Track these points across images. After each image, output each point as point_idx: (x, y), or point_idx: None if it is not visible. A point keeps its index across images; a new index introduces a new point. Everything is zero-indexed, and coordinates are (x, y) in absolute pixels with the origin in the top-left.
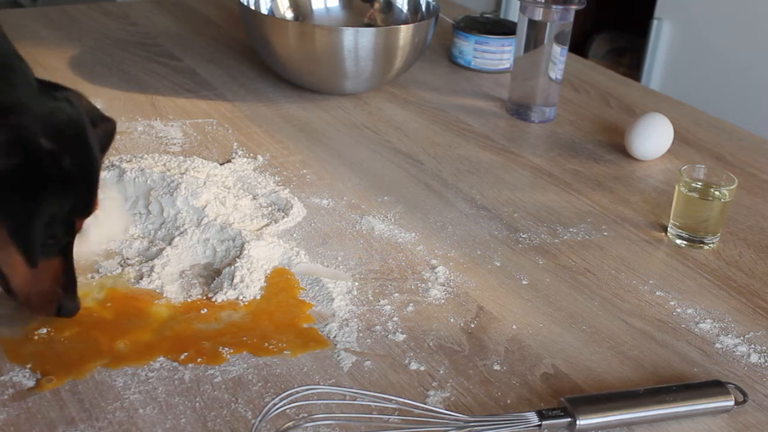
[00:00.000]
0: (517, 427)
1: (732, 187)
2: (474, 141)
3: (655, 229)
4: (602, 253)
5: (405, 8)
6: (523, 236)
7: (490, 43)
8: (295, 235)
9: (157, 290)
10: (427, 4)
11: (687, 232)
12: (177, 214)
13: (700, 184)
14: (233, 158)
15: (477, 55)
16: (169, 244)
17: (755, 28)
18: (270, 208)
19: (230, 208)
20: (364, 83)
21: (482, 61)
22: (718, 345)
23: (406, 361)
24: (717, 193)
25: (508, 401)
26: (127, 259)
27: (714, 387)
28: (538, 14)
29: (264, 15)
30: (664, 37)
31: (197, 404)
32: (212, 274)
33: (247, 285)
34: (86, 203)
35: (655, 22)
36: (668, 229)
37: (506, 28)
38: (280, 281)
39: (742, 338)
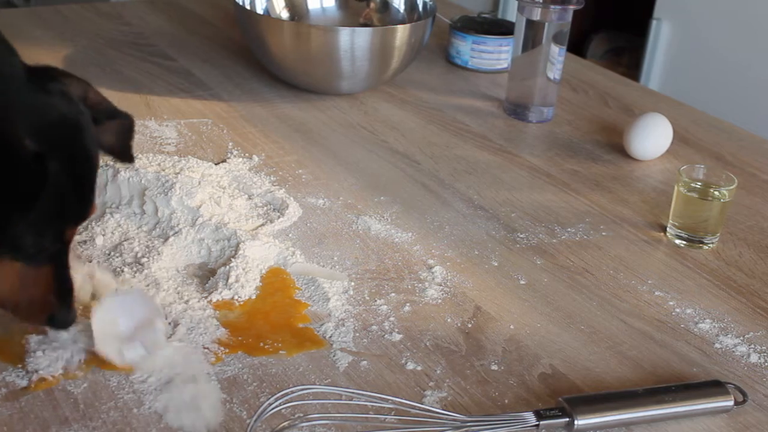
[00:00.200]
0: (515, 427)
1: (732, 187)
2: (471, 141)
3: (654, 229)
4: (600, 253)
5: (402, 8)
6: (521, 236)
7: (488, 43)
8: (290, 235)
9: (152, 289)
10: (424, 4)
11: (686, 232)
12: (172, 214)
13: (699, 184)
14: (228, 158)
15: (474, 55)
16: (164, 243)
17: (754, 29)
18: (265, 208)
19: (225, 208)
20: (361, 83)
21: (479, 61)
22: (717, 345)
23: (403, 361)
24: (717, 193)
25: (506, 401)
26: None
27: (713, 387)
28: (536, 14)
29: (259, 15)
30: (663, 37)
31: None
32: (207, 274)
33: (243, 285)
34: (79, 210)
35: (654, 23)
36: (667, 229)
37: (504, 28)
38: (275, 281)
39: (741, 338)
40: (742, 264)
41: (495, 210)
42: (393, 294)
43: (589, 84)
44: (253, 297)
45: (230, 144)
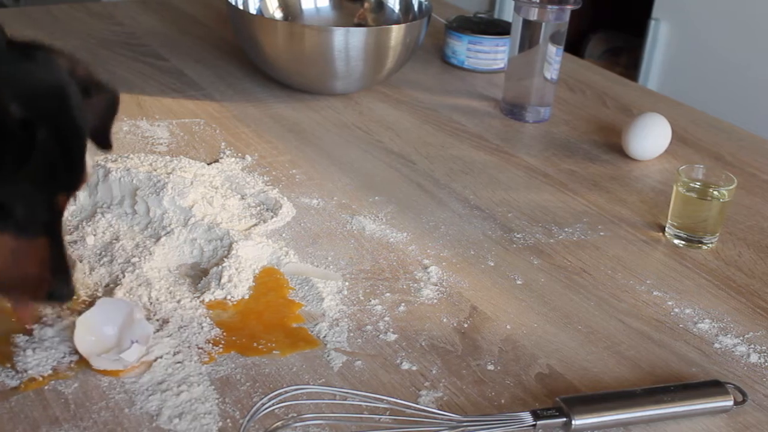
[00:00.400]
0: (511, 427)
1: (731, 187)
2: (467, 141)
3: (652, 229)
4: (598, 253)
5: (396, 8)
6: (518, 236)
7: (484, 43)
8: (284, 235)
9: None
10: (420, 4)
11: (685, 232)
12: (163, 214)
13: (698, 184)
14: (221, 158)
15: (470, 55)
16: (156, 243)
17: (753, 28)
18: (258, 208)
19: (218, 208)
20: (355, 83)
21: (476, 61)
22: (716, 345)
23: (398, 361)
24: (716, 193)
25: (502, 401)
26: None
27: (713, 387)
28: (533, 14)
29: (253, 15)
30: (661, 37)
31: None
32: (199, 274)
33: (235, 285)
34: (69, 179)
35: (652, 23)
36: (666, 229)
37: (500, 28)
38: (269, 281)
39: (741, 338)
40: (742, 264)
41: (491, 210)
42: (388, 294)
43: (587, 84)
44: (246, 297)
45: (223, 144)
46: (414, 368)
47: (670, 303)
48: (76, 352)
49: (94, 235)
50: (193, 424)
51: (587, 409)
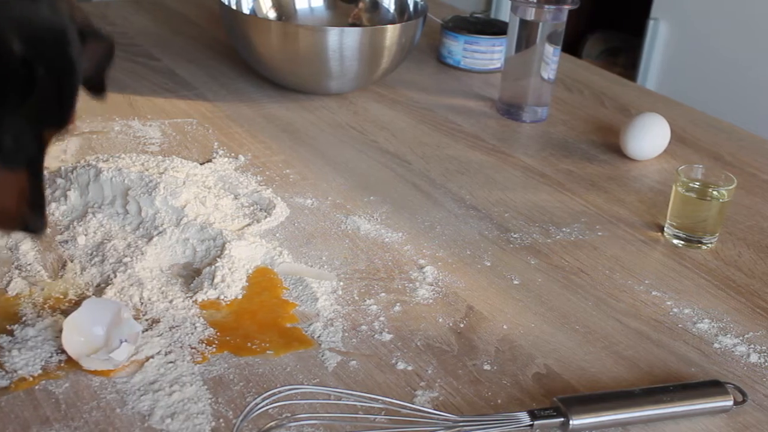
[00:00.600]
0: (508, 427)
1: (731, 187)
2: (463, 141)
3: (651, 229)
4: (596, 253)
5: (392, 8)
6: (515, 236)
7: (480, 43)
8: (277, 234)
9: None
10: (415, 4)
11: (684, 232)
12: (155, 214)
13: (697, 184)
14: (214, 158)
15: (467, 55)
16: (147, 243)
17: (753, 28)
18: (252, 208)
19: (211, 208)
20: (350, 83)
21: (472, 61)
22: (716, 345)
23: (393, 361)
24: (715, 193)
25: (499, 401)
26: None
27: (712, 387)
28: (530, 14)
29: (246, 15)
30: (660, 37)
31: None
32: (192, 274)
33: (228, 285)
34: (59, 116)
35: (651, 23)
36: (665, 229)
37: (496, 28)
38: (262, 281)
39: (741, 338)
40: (742, 264)
41: (488, 210)
42: (383, 294)
43: (585, 84)
44: (240, 297)
45: (216, 144)
46: (409, 368)
47: (669, 303)
48: (64, 352)
49: (85, 235)
50: (186, 424)
51: (585, 409)
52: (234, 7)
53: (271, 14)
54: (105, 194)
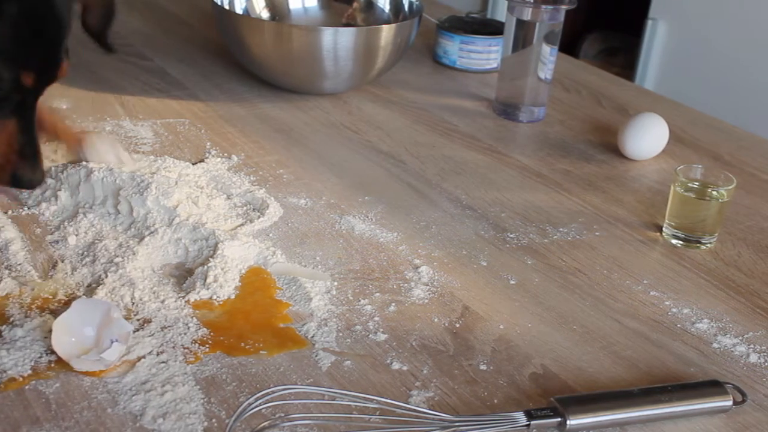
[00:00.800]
0: (505, 427)
1: (730, 187)
2: (459, 141)
3: (649, 229)
4: (594, 253)
5: (387, 8)
6: (511, 236)
7: (477, 43)
8: (271, 234)
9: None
10: (410, 4)
11: (683, 232)
12: (147, 214)
13: (696, 184)
14: (206, 158)
15: (462, 55)
16: (139, 243)
17: (752, 28)
18: (245, 208)
19: (203, 208)
20: (344, 83)
21: (468, 61)
22: (715, 345)
23: (388, 361)
24: (715, 193)
25: (495, 401)
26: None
27: (711, 387)
28: (527, 14)
29: (239, 15)
30: (659, 37)
31: None
32: (184, 274)
33: (221, 285)
34: (40, 61)
35: (649, 23)
36: (663, 229)
37: (493, 28)
38: (255, 280)
39: (740, 338)
40: (741, 264)
41: (484, 210)
42: (378, 294)
43: (582, 84)
44: (233, 297)
45: (208, 144)
46: (404, 368)
47: (667, 303)
48: (53, 352)
49: (76, 235)
50: (178, 423)
51: (583, 409)
52: (227, 7)
53: (265, 14)
54: (96, 194)
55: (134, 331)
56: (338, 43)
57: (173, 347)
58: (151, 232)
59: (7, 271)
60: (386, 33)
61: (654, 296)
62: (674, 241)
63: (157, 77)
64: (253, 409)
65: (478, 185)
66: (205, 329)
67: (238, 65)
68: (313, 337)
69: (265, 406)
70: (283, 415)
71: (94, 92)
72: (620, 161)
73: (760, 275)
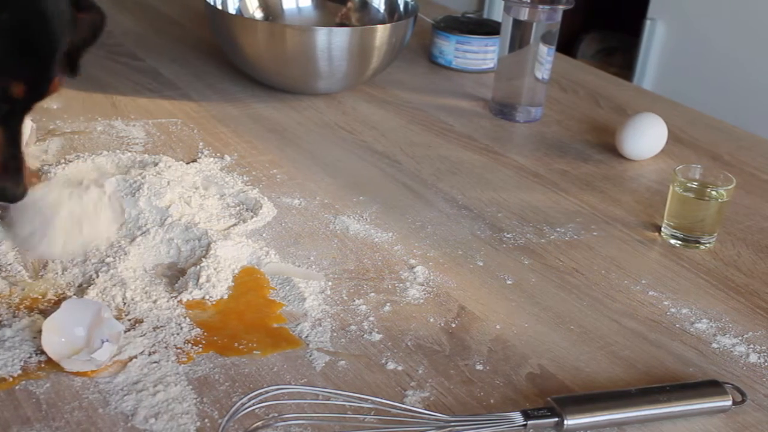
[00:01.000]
0: (501, 427)
1: (730, 187)
2: (455, 141)
3: (647, 228)
4: (591, 253)
5: (382, 8)
6: (508, 236)
7: (473, 43)
8: (264, 234)
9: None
10: (405, 3)
11: (682, 232)
12: (139, 215)
13: (695, 184)
14: (199, 158)
15: (458, 55)
16: (131, 243)
17: (751, 28)
18: (238, 208)
19: (196, 208)
20: (338, 83)
21: (464, 61)
22: (714, 345)
23: (383, 361)
24: (714, 193)
25: (492, 401)
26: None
27: (710, 387)
28: (524, 14)
29: (232, 15)
30: (657, 37)
31: None
32: (177, 274)
33: (214, 285)
34: (29, 71)
35: (648, 23)
36: (662, 229)
37: (489, 28)
38: (248, 281)
39: (740, 338)
40: (741, 264)
41: (480, 210)
42: (372, 294)
43: (580, 84)
44: (225, 297)
45: (201, 144)
46: (399, 368)
47: (666, 303)
48: (43, 353)
49: None
50: (170, 424)
51: (580, 409)
52: (220, 6)
53: (258, 14)
54: None
55: (125, 331)
56: (332, 43)
57: (165, 347)
58: (143, 232)
59: None
60: (381, 33)
61: (652, 296)
62: (673, 241)
63: (149, 77)
64: (246, 409)
65: (475, 185)
66: (198, 329)
67: (231, 65)
68: (307, 337)
69: (258, 406)
70: (276, 415)
71: (86, 92)
72: (618, 161)
73: (759, 275)
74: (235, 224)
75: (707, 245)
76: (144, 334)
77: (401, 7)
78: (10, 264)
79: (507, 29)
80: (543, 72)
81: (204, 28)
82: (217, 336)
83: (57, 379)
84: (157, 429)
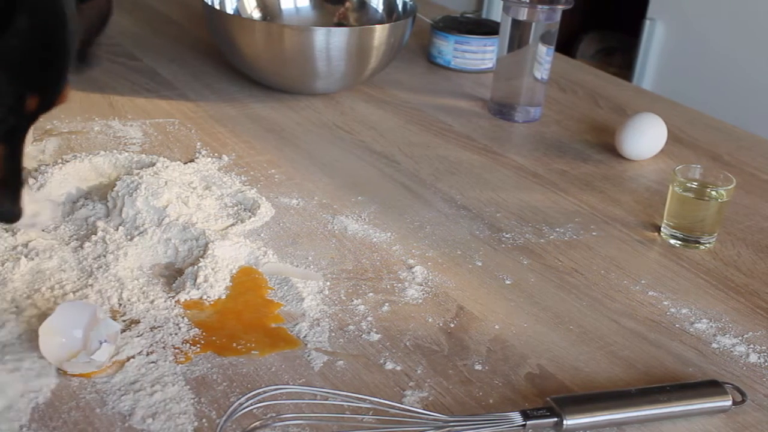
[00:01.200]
0: (500, 427)
1: (729, 187)
2: (454, 141)
3: (647, 228)
4: (591, 253)
5: (380, 8)
6: (507, 236)
7: (471, 43)
8: (262, 234)
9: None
10: (404, 3)
11: (682, 232)
12: (136, 215)
13: (695, 184)
14: (197, 158)
15: (457, 55)
16: (128, 243)
17: (751, 28)
18: (236, 208)
19: (193, 208)
20: (336, 83)
21: (463, 61)
22: (714, 345)
23: (381, 361)
24: (714, 193)
25: (491, 401)
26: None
27: (710, 387)
28: (523, 14)
29: (230, 15)
30: (657, 37)
31: None
32: (174, 274)
33: (211, 285)
34: (44, 82)
35: (647, 23)
36: (661, 229)
37: (488, 28)
38: (246, 281)
39: (740, 338)
40: (741, 264)
41: (479, 210)
42: (371, 294)
43: (579, 84)
44: (223, 297)
45: (198, 144)
46: (398, 368)
47: (666, 303)
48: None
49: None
50: (168, 423)
51: (579, 409)
52: (218, 7)
53: (256, 14)
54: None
55: (122, 331)
56: (330, 43)
57: (163, 347)
58: (141, 232)
59: None
60: (379, 33)
61: (652, 296)
62: (672, 241)
63: (147, 77)
64: (244, 409)
65: (473, 185)
66: (195, 329)
67: (229, 65)
68: (305, 337)
69: (256, 406)
70: (274, 415)
71: (83, 92)
72: (617, 161)
73: (759, 275)
74: (232, 224)
75: (707, 245)
76: (141, 335)
77: (400, 7)
78: None
79: (506, 29)
80: (542, 72)
81: (202, 28)
82: (215, 336)
83: (54, 379)
84: (154, 429)
